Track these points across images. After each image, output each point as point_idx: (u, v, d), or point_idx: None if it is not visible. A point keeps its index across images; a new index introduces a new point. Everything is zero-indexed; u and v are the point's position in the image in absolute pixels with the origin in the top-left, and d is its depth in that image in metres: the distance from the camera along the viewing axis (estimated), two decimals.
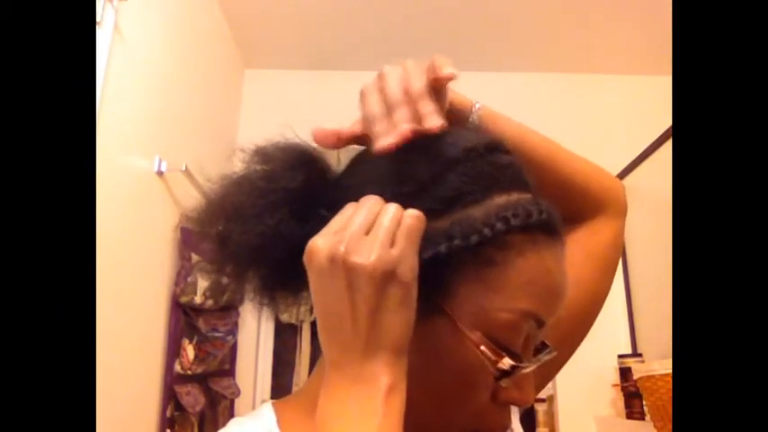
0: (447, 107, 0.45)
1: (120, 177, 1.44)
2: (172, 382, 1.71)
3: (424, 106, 0.40)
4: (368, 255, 0.36)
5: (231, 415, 2.01)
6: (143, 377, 1.59)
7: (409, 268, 0.37)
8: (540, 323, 0.41)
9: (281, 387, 2.37)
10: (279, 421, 0.45)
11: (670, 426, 1.56)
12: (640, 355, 2.10)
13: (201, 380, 1.87)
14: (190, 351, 1.78)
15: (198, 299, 1.81)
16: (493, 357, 0.38)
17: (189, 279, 1.79)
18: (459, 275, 0.40)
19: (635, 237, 2.01)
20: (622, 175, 2.12)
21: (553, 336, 0.44)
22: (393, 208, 0.39)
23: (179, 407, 1.72)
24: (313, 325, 2.34)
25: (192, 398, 1.75)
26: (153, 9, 1.65)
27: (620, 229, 0.59)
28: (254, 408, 2.50)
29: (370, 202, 0.39)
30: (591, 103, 2.59)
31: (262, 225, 0.42)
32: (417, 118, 0.40)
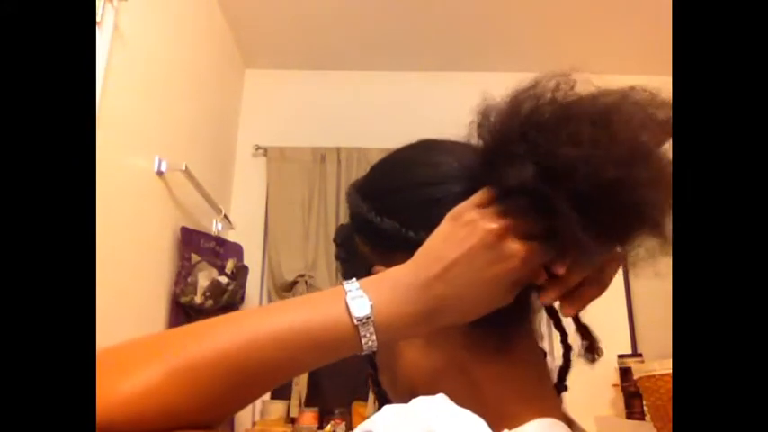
0: None
1: (120, 177, 1.44)
2: None
3: None
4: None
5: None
6: None
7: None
8: None
9: (280, 387, 2.37)
10: None
11: (670, 426, 1.56)
12: (640, 355, 2.10)
13: None
14: None
15: (198, 299, 1.81)
16: None
17: (189, 279, 1.79)
18: None
19: None
20: None
21: None
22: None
23: None
24: None
25: None
26: (153, 9, 1.65)
27: None
28: (253, 408, 2.51)
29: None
30: None
31: None
32: None
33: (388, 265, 0.46)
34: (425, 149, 0.50)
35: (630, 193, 0.37)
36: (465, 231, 0.39)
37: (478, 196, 0.41)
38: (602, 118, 0.39)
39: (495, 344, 0.44)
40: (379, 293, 0.39)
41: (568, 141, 0.38)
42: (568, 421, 0.47)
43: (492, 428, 0.40)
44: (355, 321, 0.38)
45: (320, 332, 0.38)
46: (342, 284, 0.40)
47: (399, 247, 0.45)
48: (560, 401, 0.48)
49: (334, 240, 0.53)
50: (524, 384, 0.45)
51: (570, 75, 0.42)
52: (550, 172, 0.38)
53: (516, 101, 0.42)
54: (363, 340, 0.38)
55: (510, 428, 0.40)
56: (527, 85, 0.42)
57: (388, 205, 0.47)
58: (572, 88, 0.41)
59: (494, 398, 0.43)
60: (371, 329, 0.38)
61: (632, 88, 0.41)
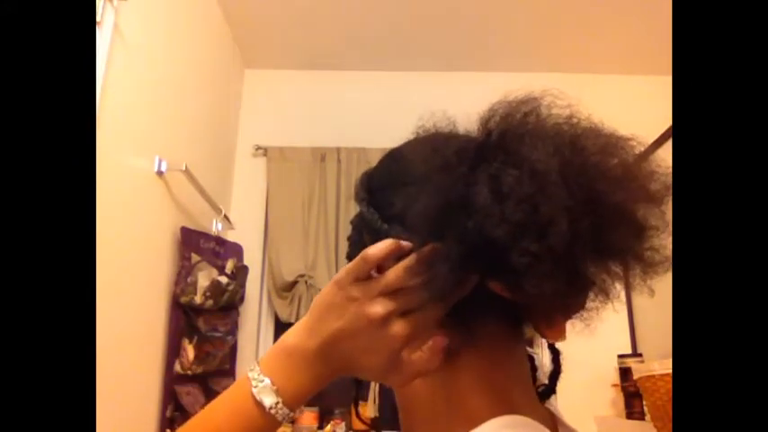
0: None
1: (120, 177, 1.44)
2: (172, 382, 1.71)
3: None
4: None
5: None
6: (143, 377, 1.59)
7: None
8: None
9: None
10: None
11: (670, 426, 1.56)
12: (640, 355, 2.10)
13: (202, 380, 1.87)
14: (190, 351, 1.78)
15: (198, 299, 1.81)
16: None
17: (189, 279, 1.79)
18: None
19: None
20: None
21: None
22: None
23: (179, 407, 1.72)
24: None
25: (192, 398, 1.75)
26: (153, 9, 1.65)
27: None
28: None
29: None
30: (591, 103, 2.58)
31: None
32: None
33: None
34: (421, 145, 0.50)
35: (513, 257, 0.35)
36: (351, 311, 0.41)
37: (358, 265, 0.42)
38: (535, 169, 0.36)
39: (461, 338, 0.44)
40: (278, 373, 0.43)
41: (486, 181, 0.37)
42: (551, 418, 0.47)
43: (455, 424, 0.42)
44: (267, 410, 0.42)
45: (246, 428, 0.43)
46: (247, 373, 0.44)
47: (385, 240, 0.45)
48: (536, 400, 0.48)
49: (351, 222, 0.55)
50: (491, 380, 0.45)
51: (541, 99, 0.40)
52: (453, 207, 0.37)
53: (482, 123, 0.41)
54: (279, 417, 0.43)
55: (470, 426, 0.41)
56: (489, 113, 0.41)
57: (377, 197, 0.49)
58: (538, 118, 0.40)
59: (458, 391, 0.44)
60: (282, 406, 0.42)
61: (622, 142, 0.39)
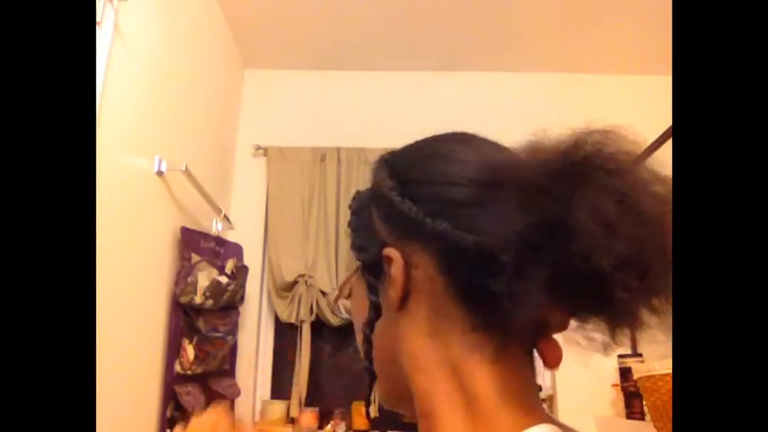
0: None
1: (120, 177, 1.44)
2: (172, 382, 1.71)
3: None
4: None
5: None
6: (143, 377, 1.59)
7: None
8: None
9: (280, 387, 2.37)
10: None
11: (670, 426, 1.56)
12: (640, 355, 2.10)
13: (201, 380, 1.87)
14: (190, 351, 1.78)
15: (198, 299, 1.81)
16: None
17: (189, 279, 1.79)
18: None
19: None
20: None
21: None
22: None
23: (179, 407, 1.72)
24: (313, 324, 2.34)
25: (192, 398, 1.75)
26: (153, 9, 1.65)
27: None
28: (253, 408, 2.50)
29: None
30: (591, 103, 2.59)
31: None
32: None
33: (402, 250, 0.45)
34: (461, 144, 0.49)
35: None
36: None
37: None
38: (645, 212, 0.38)
39: (495, 348, 0.43)
40: None
41: (589, 209, 0.37)
42: (561, 427, 0.47)
43: None
44: None
45: None
46: None
47: (417, 235, 0.44)
48: (541, 403, 0.48)
49: (350, 207, 0.52)
50: (518, 391, 0.44)
51: (620, 132, 0.41)
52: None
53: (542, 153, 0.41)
54: None
55: None
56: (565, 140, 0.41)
57: (412, 192, 0.46)
58: (625, 155, 0.40)
59: (486, 403, 0.43)
60: None
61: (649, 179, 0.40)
